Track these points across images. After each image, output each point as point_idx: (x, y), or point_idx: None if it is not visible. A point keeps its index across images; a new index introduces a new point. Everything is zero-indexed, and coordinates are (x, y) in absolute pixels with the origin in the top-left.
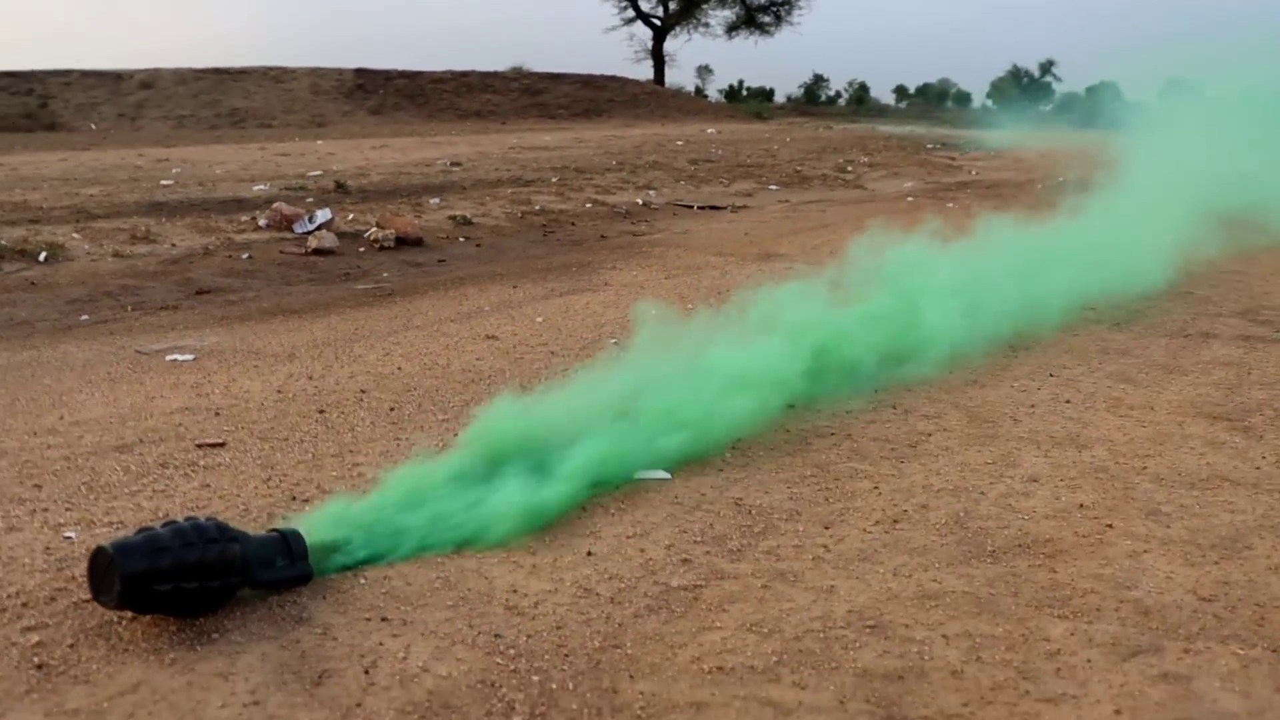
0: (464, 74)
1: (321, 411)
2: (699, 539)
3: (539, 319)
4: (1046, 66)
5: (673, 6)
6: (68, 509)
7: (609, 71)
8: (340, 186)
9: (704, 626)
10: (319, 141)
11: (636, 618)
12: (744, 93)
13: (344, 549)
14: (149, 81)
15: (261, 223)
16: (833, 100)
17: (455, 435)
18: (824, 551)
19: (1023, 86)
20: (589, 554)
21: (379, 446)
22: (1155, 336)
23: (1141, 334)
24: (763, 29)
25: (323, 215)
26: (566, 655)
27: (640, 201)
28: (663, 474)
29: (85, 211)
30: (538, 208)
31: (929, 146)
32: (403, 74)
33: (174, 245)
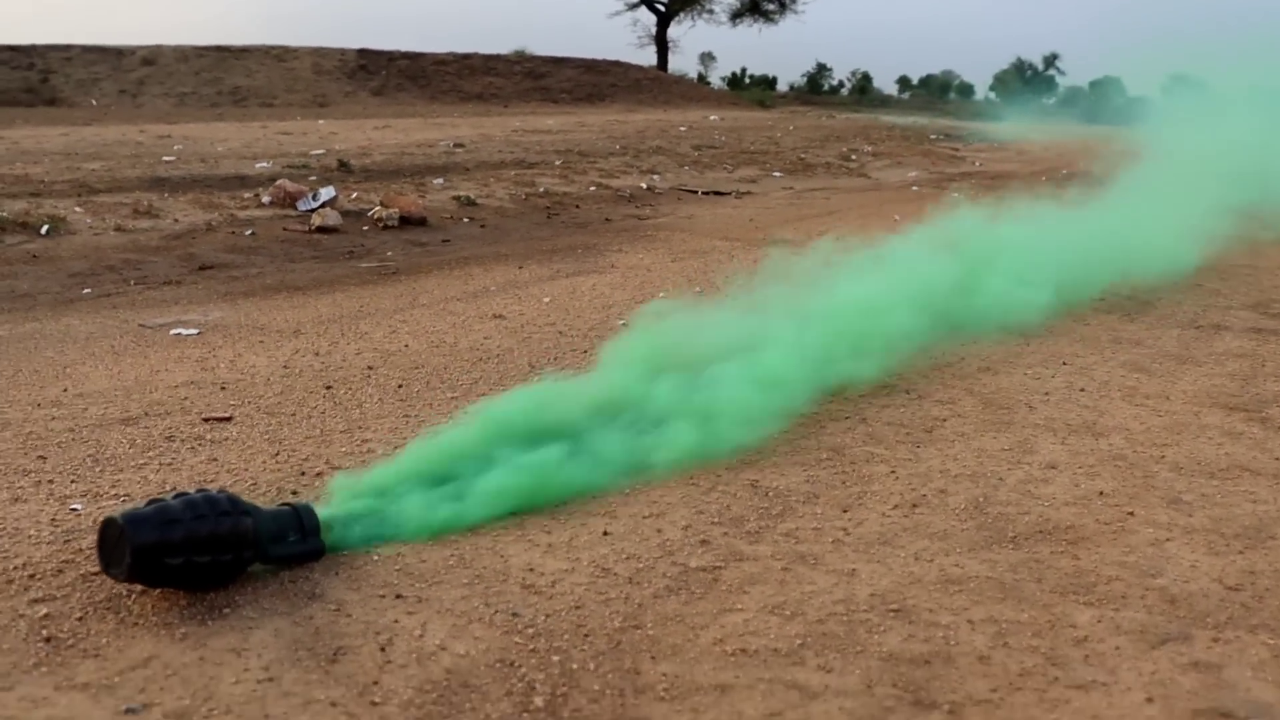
0: (466, 56)
1: (329, 387)
2: (716, 520)
3: (546, 299)
4: (1050, 60)
5: None
6: (73, 481)
7: (612, 56)
8: (343, 165)
9: (725, 608)
10: (321, 121)
11: (656, 598)
12: (747, 80)
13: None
14: (150, 58)
15: (265, 200)
16: (835, 90)
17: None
18: (843, 534)
19: (1026, 79)
20: (605, 533)
21: (388, 423)
22: (1167, 327)
23: (1153, 325)
24: (767, 16)
25: (326, 193)
26: (586, 635)
27: (644, 186)
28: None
29: (87, 186)
30: (541, 190)
31: (932, 137)
32: (405, 55)
33: (176, 220)
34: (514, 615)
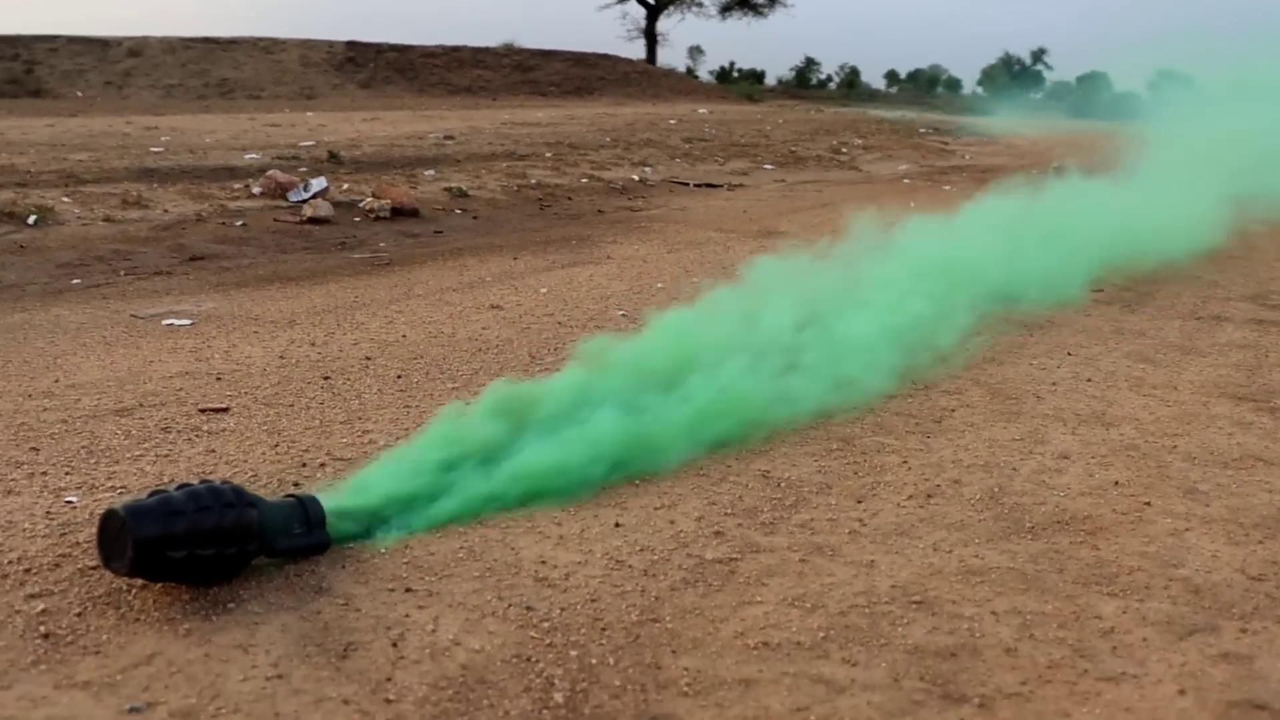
0: (455, 49)
1: (327, 378)
2: (729, 511)
3: (543, 290)
4: (1038, 55)
5: None
6: (67, 473)
7: (600, 50)
8: (333, 157)
9: (744, 601)
10: (309, 113)
11: (673, 591)
12: (735, 74)
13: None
14: (137, 50)
15: (255, 190)
16: (823, 84)
17: None
18: (859, 525)
19: (1013, 74)
20: (617, 525)
21: (388, 414)
22: (1168, 318)
23: (1154, 315)
24: (756, 10)
25: (318, 184)
26: (603, 629)
27: (636, 178)
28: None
29: (74, 176)
30: (533, 181)
31: (921, 131)
32: (394, 48)
33: (166, 211)
34: (528, 609)
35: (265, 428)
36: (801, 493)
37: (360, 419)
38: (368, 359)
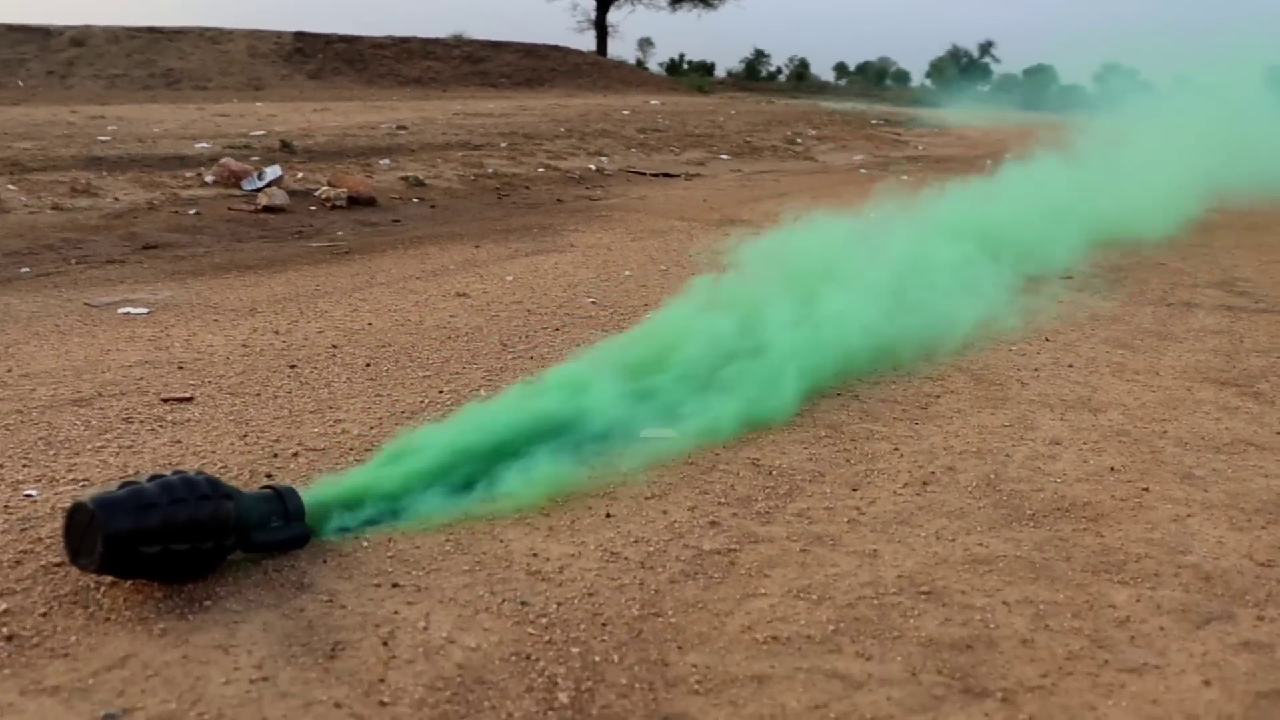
0: (404, 40)
1: (293, 367)
2: (723, 500)
3: (509, 278)
4: (985, 47)
5: None
6: (25, 465)
7: (550, 41)
8: (286, 146)
9: (747, 593)
10: (258, 103)
11: (673, 583)
12: (685, 66)
13: None
14: (80, 39)
15: (208, 179)
16: (773, 76)
17: None
18: (857, 514)
19: (962, 67)
20: (608, 515)
21: (359, 403)
22: (1140, 305)
23: (1126, 302)
24: (707, 2)
25: (272, 172)
26: (604, 624)
27: (593, 167)
28: (668, 432)
29: (19, 164)
30: (490, 171)
31: (873, 122)
32: (342, 38)
33: (116, 199)
34: (523, 604)
35: (232, 418)
36: (794, 481)
37: (331, 408)
38: (334, 347)
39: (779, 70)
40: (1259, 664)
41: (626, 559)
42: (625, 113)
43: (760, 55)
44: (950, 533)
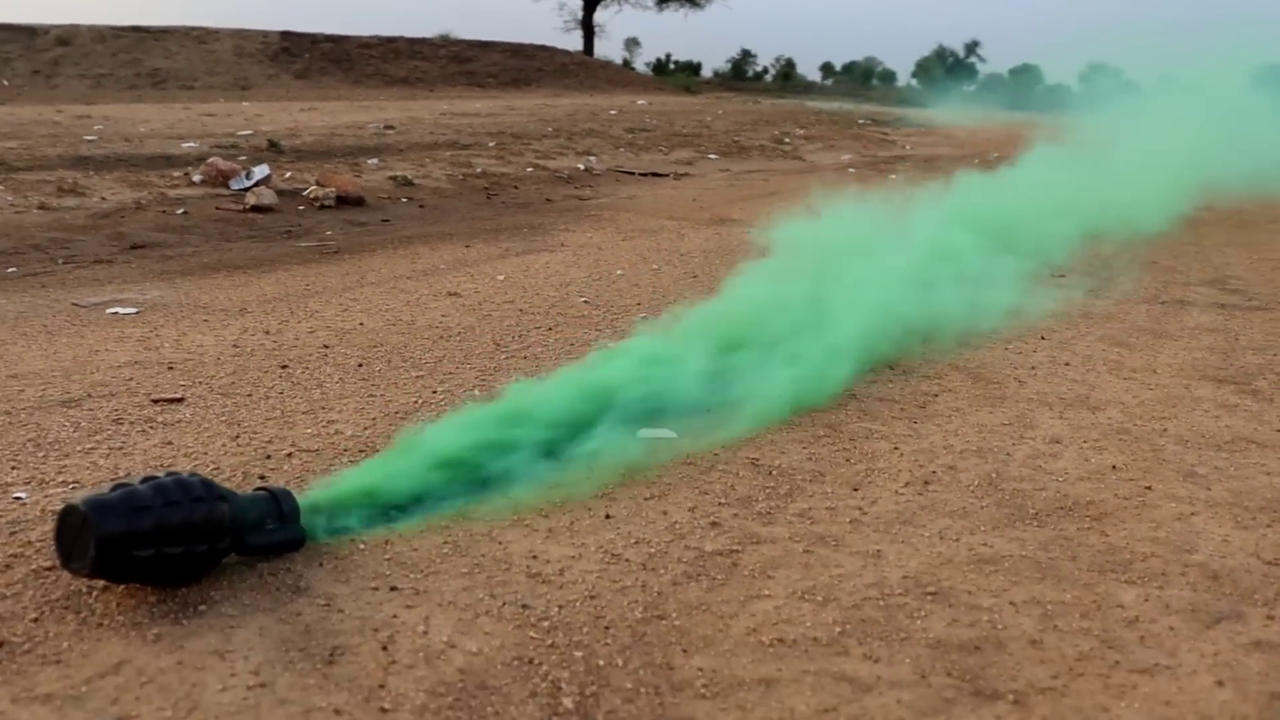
0: (391, 40)
1: (284, 367)
2: (723, 500)
3: (500, 277)
4: (971, 47)
5: None
6: (14, 467)
7: (537, 41)
8: (274, 145)
9: (751, 595)
10: (245, 103)
11: (675, 585)
12: (671, 66)
13: None
14: (65, 38)
15: (196, 178)
16: (759, 76)
17: None
18: (859, 514)
19: (947, 67)
20: (607, 516)
21: (352, 403)
22: (1133, 303)
23: (1119, 300)
24: (694, 2)
25: (260, 171)
26: (607, 628)
27: (582, 167)
28: (666, 432)
29: (4, 163)
30: (479, 170)
31: (860, 122)
32: (329, 38)
33: (104, 199)
34: (524, 607)
35: (224, 418)
36: (795, 481)
37: (324, 409)
38: (326, 347)
39: (765, 70)
40: (1271, 664)
41: (628, 561)
42: (612, 112)
43: (746, 55)
44: (954, 532)
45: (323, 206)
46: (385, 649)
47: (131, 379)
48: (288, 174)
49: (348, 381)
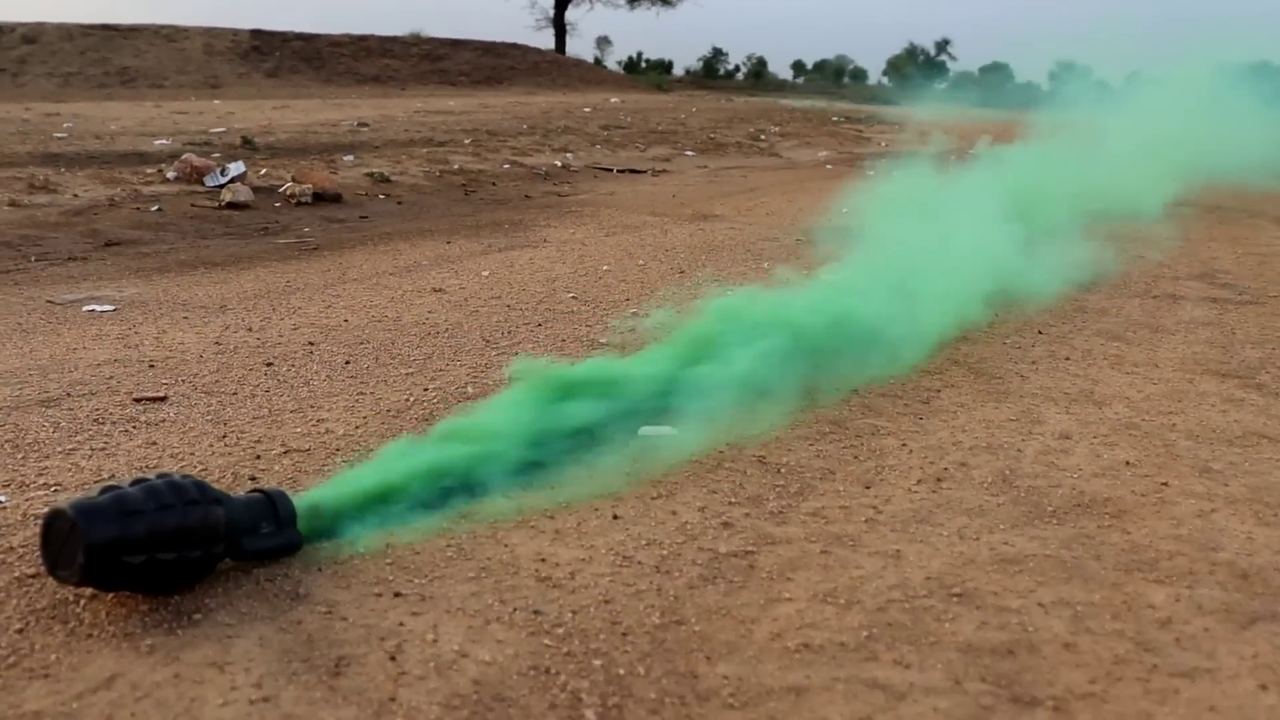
0: (362, 38)
1: (269, 364)
2: (733, 500)
3: (484, 273)
4: (942, 45)
5: None
6: None
7: (508, 39)
8: (247, 143)
9: (771, 598)
10: (216, 101)
11: (692, 589)
12: (643, 64)
13: None
14: (31, 36)
15: (170, 175)
16: (731, 74)
17: None
18: (874, 513)
19: (919, 64)
20: (615, 517)
21: (341, 401)
22: (1126, 297)
23: (1111, 295)
24: (666, 0)
25: (236, 168)
26: (624, 634)
27: (559, 164)
28: (668, 430)
29: None
30: (456, 167)
31: (835, 119)
32: (300, 36)
33: (76, 196)
34: (536, 613)
35: (209, 417)
36: (805, 479)
37: (312, 407)
38: (311, 344)
39: (737, 68)
40: None
41: (640, 563)
42: (587, 110)
43: (718, 53)
44: (973, 531)
45: (300, 203)
46: (393, 659)
47: (112, 377)
48: (263, 171)
49: (335, 379)
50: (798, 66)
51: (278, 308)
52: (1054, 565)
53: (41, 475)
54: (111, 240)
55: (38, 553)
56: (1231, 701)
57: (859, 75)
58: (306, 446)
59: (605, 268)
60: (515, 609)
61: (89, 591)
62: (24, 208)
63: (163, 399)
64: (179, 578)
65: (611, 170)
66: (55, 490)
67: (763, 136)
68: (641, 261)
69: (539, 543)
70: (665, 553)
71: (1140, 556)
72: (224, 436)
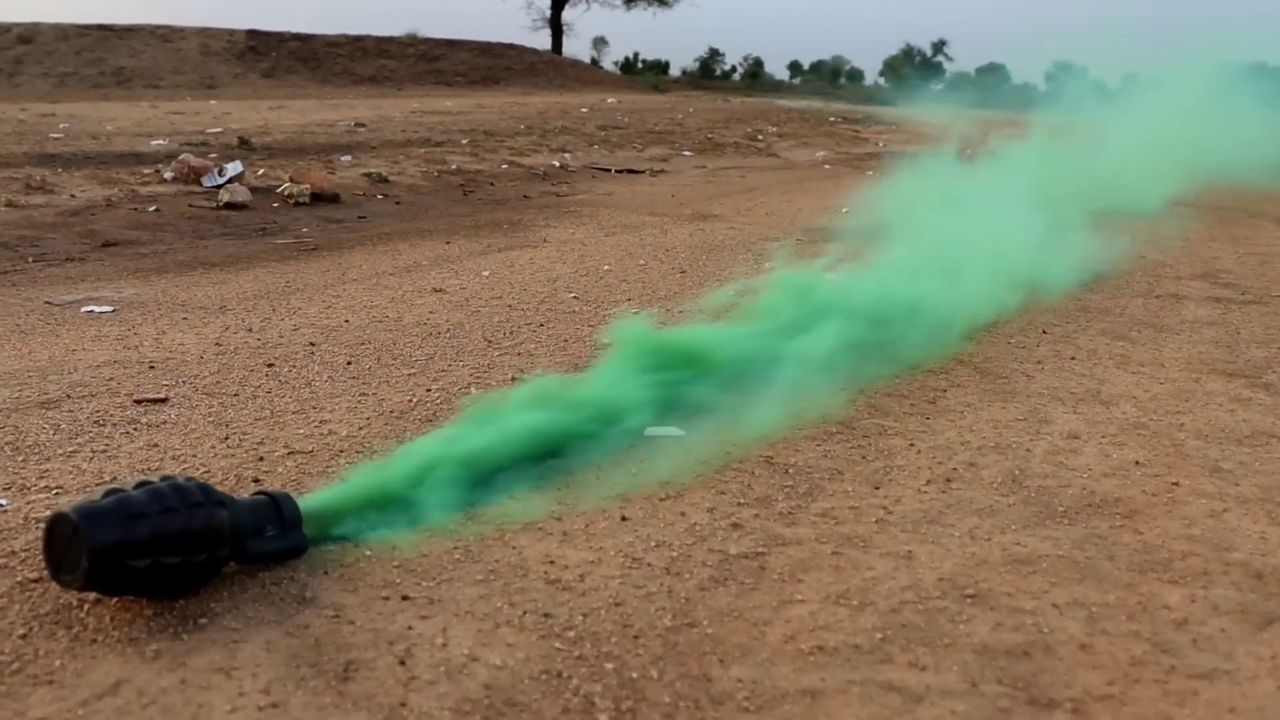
0: (359, 38)
1: (270, 365)
2: (741, 500)
3: (485, 273)
4: (938, 46)
5: None
6: None
7: (504, 39)
8: (244, 143)
9: (784, 599)
10: (212, 101)
11: (703, 591)
12: (639, 65)
13: None
14: (27, 36)
15: (167, 175)
16: (728, 75)
17: None
18: (884, 514)
19: (915, 65)
20: (624, 519)
21: (344, 402)
22: (1128, 297)
23: (1113, 294)
24: (663, 1)
25: (233, 168)
26: (636, 637)
27: (557, 164)
28: (675, 430)
29: None
30: (454, 167)
31: (831, 120)
32: (296, 37)
33: (73, 196)
34: (546, 616)
35: (211, 419)
36: (813, 479)
37: (314, 408)
38: (312, 345)
39: (733, 69)
40: None
41: (650, 565)
42: (584, 110)
43: (715, 54)
44: (984, 531)
45: (298, 203)
46: (403, 663)
47: (112, 379)
48: (260, 171)
49: (337, 380)
50: (794, 67)
51: (278, 308)
52: (1067, 566)
53: (43, 478)
54: (109, 241)
55: (40, 557)
56: (1252, 703)
57: (855, 76)
58: (310, 448)
59: (606, 267)
60: (525, 612)
61: (93, 596)
62: (21, 208)
63: (164, 400)
64: (183, 582)
65: (609, 170)
66: (57, 493)
67: (760, 137)
68: (642, 261)
69: (547, 545)
70: (675, 554)
71: (1153, 557)
72: (226, 438)
